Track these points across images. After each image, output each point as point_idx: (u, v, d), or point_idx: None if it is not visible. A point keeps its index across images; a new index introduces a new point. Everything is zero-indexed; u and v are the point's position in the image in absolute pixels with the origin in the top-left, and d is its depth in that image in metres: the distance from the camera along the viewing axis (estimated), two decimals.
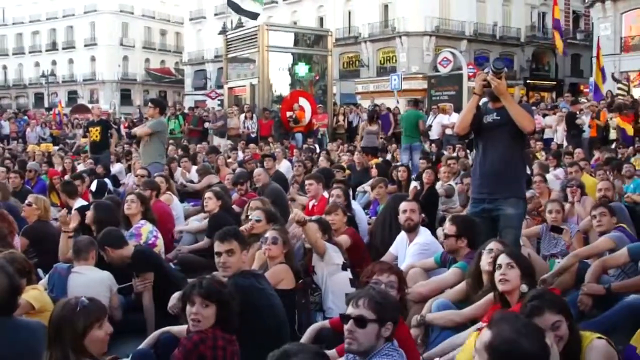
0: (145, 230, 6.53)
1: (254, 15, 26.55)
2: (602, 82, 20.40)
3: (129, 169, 12.63)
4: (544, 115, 18.03)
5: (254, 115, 18.35)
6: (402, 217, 6.06)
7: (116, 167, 13.27)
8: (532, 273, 4.08)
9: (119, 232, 5.80)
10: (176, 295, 4.51)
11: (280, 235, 5.12)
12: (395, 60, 42.11)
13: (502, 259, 3.94)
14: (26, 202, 7.13)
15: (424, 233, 6.06)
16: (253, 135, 17.69)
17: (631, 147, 13.30)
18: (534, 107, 18.31)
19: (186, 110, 21.81)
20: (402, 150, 14.26)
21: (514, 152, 5.40)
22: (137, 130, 10.84)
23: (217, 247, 4.27)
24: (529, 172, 8.77)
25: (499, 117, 5.31)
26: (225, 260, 4.21)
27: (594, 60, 21.36)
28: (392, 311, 3.24)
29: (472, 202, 5.67)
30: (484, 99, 5.55)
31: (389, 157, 14.60)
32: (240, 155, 14.45)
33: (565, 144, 15.55)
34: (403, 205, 6.15)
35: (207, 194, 7.52)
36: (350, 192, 8.77)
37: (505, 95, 5.23)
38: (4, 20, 68.62)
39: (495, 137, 5.37)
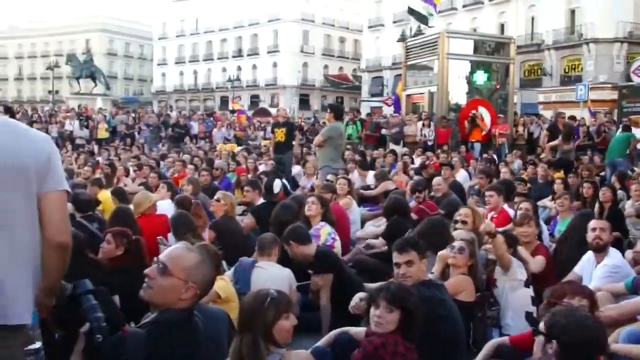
0: (324, 232, 6.69)
1: (425, 20, 26.50)
2: None
3: None
4: None
5: (432, 122, 18.21)
6: (590, 236, 5.65)
7: (295, 169, 13.65)
8: None
9: (305, 229, 5.97)
10: (360, 295, 4.55)
11: (468, 246, 5.05)
12: (581, 69, 39.82)
13: None
14: (215, 197, 7.58)
15: (614, 254, 5.62)
16: (430, 143, 17.55)
17: None
18: None
19: (363, 116, 22.13)
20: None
21: None
22: (315, 140, 11.64)
23: (396, 258, 4.25)
24: None
25: None
26: (405, 271, 4.19)
27: None
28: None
29: None
30: None
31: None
32: (418, 161, 14.33)
33: None
34: (592, 224, 5.76)
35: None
36: None
37: None
38: (197, 29, 73.94)
39: None
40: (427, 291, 4.15)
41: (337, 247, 6.62)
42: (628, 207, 8.96)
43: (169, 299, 2.79)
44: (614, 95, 26.74)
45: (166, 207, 7.78)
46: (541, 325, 2.98)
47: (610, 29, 38.09)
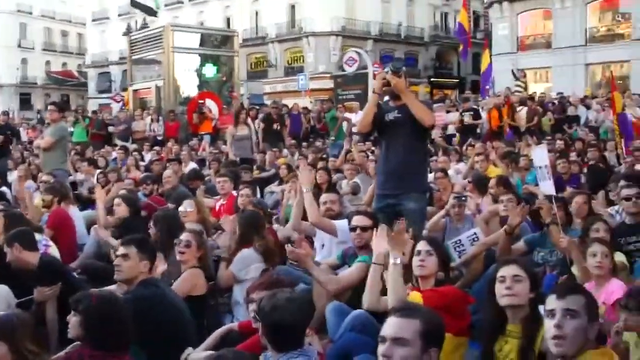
0: None
1: (152, 12, 25.97)
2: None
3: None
4: (448, 112, 18.46)
5: (160, 117, 18.00)
6: (321, 209, 6.05)
7: (14, 175, 12.64)
8: (448, 262, 4.28)
9: (33, 236, 5.50)
10: None
11: (194, 239, 5.05)
12: (303, 60, 42.38)
13: (422, 246, 4.06)
14: None
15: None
16: (159, 138, 17.34)
17: (524, 140, 13.58)
18: (440, 104, 18.83)
19: (89, 114, 21.12)
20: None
21: (415, 148, 5.62)
22: (41, 143, 10.26)
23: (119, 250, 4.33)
24: None
25: (400, 115, 5.50)
26: (119, 263, 4.24)
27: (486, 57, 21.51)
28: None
29: (377, 198, 5.81)
30: (386, 98, 5.73)
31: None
32: (148, 157, 14.06)
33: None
34: (322, 197, 6.28)
35: (116, 201, 7.26)
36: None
37: (404, 92, 5.48)
38: None
39: (397, 134, 5.55)
40: (145, 290, 4.14)
41: (53, 254, 6.21)
42: (344, 185, 9.70)
43: None
44: (332, 84, 28.79)
45: None
46: None
47: (326, 23, 41.03)
